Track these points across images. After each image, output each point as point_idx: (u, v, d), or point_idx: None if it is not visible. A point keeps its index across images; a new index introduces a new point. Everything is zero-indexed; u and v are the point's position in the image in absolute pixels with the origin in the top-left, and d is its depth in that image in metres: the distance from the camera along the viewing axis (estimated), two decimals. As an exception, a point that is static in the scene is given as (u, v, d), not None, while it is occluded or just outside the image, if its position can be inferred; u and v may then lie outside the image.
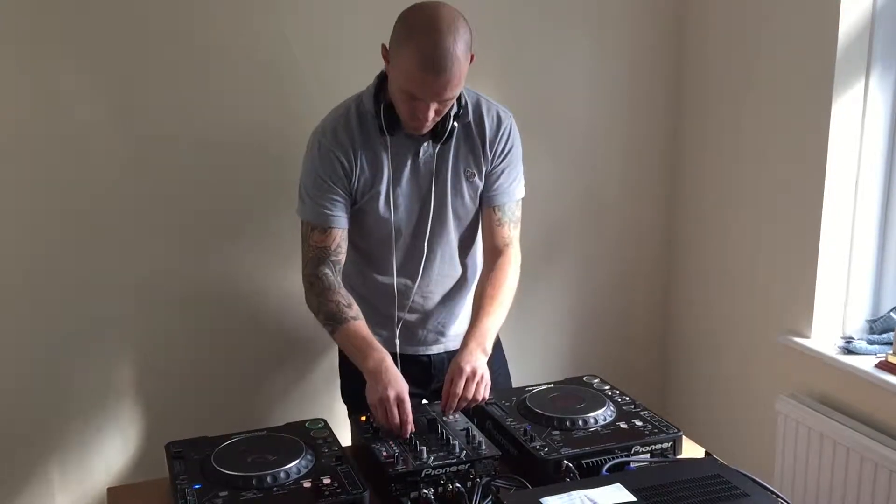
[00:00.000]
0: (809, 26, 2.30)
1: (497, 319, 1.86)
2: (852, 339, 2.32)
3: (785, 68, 2.41)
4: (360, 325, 1.80)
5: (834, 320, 2.39)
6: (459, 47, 1.65)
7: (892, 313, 2.33)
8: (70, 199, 2.23)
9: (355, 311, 1.82)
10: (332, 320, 1.80)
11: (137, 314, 2.35)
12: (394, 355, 1.89)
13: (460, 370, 1.72)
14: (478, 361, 1.75)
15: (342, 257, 1.89)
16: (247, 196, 2.39)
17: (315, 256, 1.86)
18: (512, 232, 1.97)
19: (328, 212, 1.84)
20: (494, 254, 1.95)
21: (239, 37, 2.29)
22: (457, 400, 1.71)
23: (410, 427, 1.63)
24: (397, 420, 1.63)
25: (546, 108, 2.66)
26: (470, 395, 1.72)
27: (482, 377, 1.74)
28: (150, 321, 2.37)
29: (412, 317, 2.00)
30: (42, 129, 2.17)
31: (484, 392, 1.74)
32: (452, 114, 1.82)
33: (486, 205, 1.95)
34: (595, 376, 1.95)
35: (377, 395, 1.66)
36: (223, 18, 2.27)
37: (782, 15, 2.40)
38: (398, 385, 1.67)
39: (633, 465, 1.59)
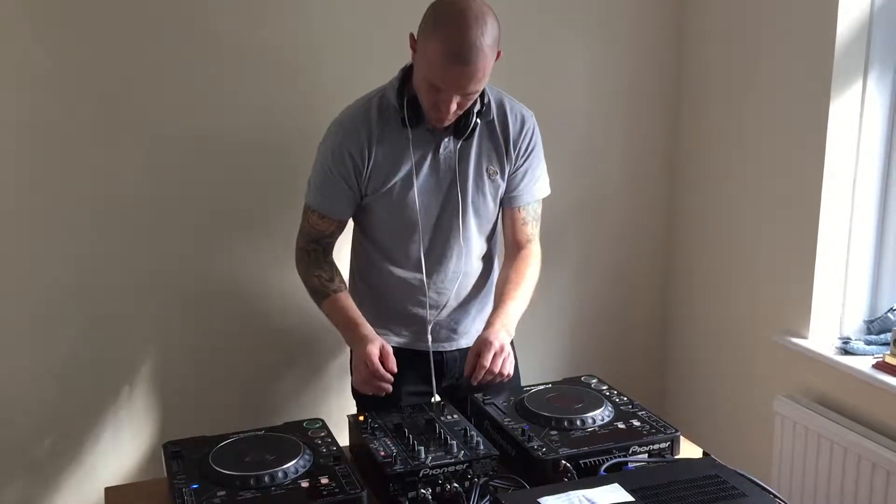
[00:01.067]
0: (807, 28, 2.31)
1: (520, 305, 1.91)
2: (850, 339, 2.33)
3: (783, 70, 2.41)
4: (341, 297, 1.88)
5: (831, 321, 2.40)
6: (486, 41, 1.65)
7: (889, 314, 2.33)
8: (71, 197, 2.23)
9: (337, 283, 1.90)
10: (317, 295, 1.90)
11: (137, 314, 2.35)
12: (419, 353, 1.96)
13: (489, 344, 1.77)
14: (504, 339, 1.79)
15: (335, 240, 1.96)
16: (251, 196, 2.39)
17: (310, 232, 1.93)
18: (534, 230, 2.02)
19: (329, 202, 1.88)
20: (517, 248, 2.01)
21: (249, 35, 2.29)
22: (483, 372, 1.75)
23: (393, 367, 1.74)
24: (385, 375, 1.73)
25: (546, 108, 2.63)
26: (496, 369, 1.76)
27: (508, 353, 1.79)
28: (149, 321, 2.37)
29: (425, 313, 2.00)
30: (46, 127, 2.17)
31: (509, 368, 1.79)
32: (475, 110, 1.82)
33: (510, 205, 1.98)
34: (593, 376, 1.95)
35: (360, 357, 1.76)
36: (231, 15, 2.26)
37: (781, 16, 2.40)
38: (375, 346, 1.76)
39: (630, 465, 1.59)
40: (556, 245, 2.74)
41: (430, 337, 1.96)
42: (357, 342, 1.81)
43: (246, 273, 2.43)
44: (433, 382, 1.88)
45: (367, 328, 1.83)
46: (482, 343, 1.78)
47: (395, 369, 1.77)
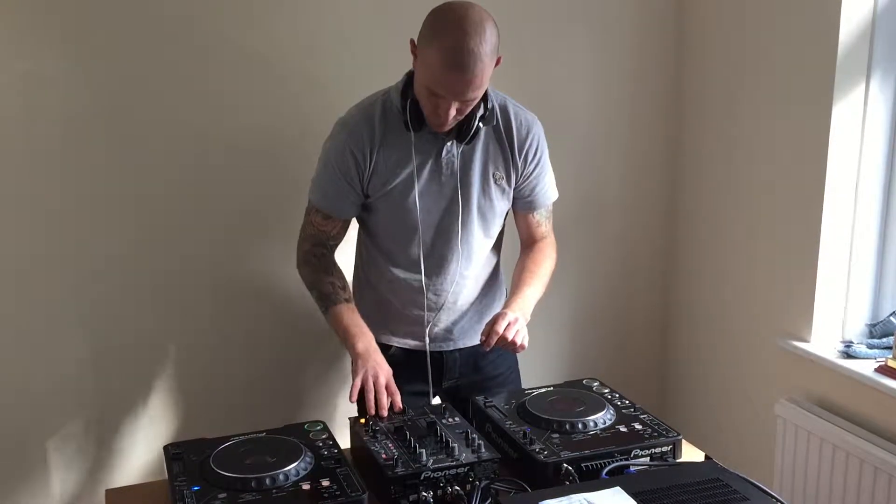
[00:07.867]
0: (810, 31, 2.31)
1: (536, 291, 1.97)
2: (852, 343, 2.32)
3: (785, 73, 2.41)
4: (352, 307, 1.89)
5: (833, 324, 2.39)
6: (485, 48, 1.66)
7: (891, 317, 2.33)
8: (85, 197, 2.23)
9: (348, 293, 1.91)
10: (326, 300, 1.88)
11: (139, 316, 2.35)
12: (419, 354, 1.98)
13: (504, 314, 1.83)
14: (520, 316, 1.85)
15: (339, 242, 1.97)
16: (260, 198, 2.39)
17: (314, 234, 1.94)
18: (548, 227, 2.11)
19: (334, 202, 1.89)
20: (532, 242, 2.09)
21: (256, 39, 2.29)
22: (496, 338, 1.79)
23: (398, 402, 1.74)
24: (383, 400, 1.72)
25: (546, 111, 2.62)
26: (510, 337, 1.80)
27: (523, 327, 1.84)
28: (151, 324, 2.37)
29: (424, 314, 2.00)
30: (58, 129, 2.18)
31: (522, 339, 1.83)
32: (478, 115, 1.83)
33: (524, 210, 2.04)
34: (595, 379, 1.95)
35: (361, 375, 1.76)
36: (232, 19, 2.27)
37: (783, 20, 2.40)
38: (384, 368, 1.78)
39: (632, 468, 1.59)
40: (557, 248, 2.74)
41: (427, 339, 1.97)
42: (357, 357, 1.82)
43: (247, 276, 2.43)
44: (430, 383, 1.89)
45: (372, 343, 1.84)
46: (498, 314, 1.84)
47: (397, 397, 1.77)
